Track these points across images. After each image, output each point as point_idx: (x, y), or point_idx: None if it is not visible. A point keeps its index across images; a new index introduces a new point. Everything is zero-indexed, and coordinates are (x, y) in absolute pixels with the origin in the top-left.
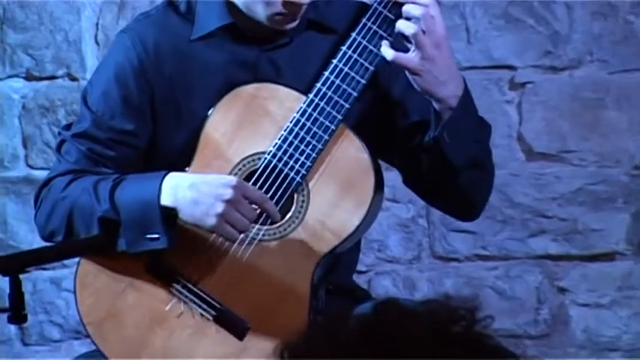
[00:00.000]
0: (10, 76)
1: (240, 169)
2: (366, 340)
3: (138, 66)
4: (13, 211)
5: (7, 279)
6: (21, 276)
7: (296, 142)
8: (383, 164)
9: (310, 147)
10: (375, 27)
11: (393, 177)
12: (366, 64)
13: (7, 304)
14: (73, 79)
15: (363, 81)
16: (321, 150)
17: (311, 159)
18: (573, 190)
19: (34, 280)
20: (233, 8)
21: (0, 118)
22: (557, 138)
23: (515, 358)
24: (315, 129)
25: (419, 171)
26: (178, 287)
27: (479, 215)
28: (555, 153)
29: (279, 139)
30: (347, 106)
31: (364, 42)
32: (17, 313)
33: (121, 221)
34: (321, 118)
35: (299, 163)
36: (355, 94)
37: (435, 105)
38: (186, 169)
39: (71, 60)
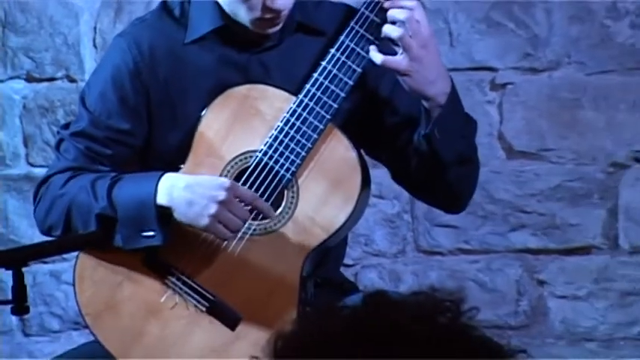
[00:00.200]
0: (11, 78)
1: (232, 167)
2: (356, 330)
3: (134, 68)
4: (14, 207)
5: (9, 272)
6: (23, 269)
7: (286, 140)
8: (370, 161)
9: (300, 145)
10: (362, 30)
11: (379, 174)
12: (354, 66)
13: (8, 296)
14: (72, 80)
15: (351, 82)
16: (310, 148)
17: (300, 157)
18: (552, 186)
19: (34, 273)
20: (224, 12)
21: (2, 118)
22: (537, 137)
23: (499, 348)
24: (304, 128)
25: (407, 168)
26: (173, 280)
27: (465, 208)
28: (535, 151)
29: (270, 138)
30: (335, 106)
31: (352, 45)
32: (20, 304)
33: (118, 218)
34: (311, 118)
35: (289, 160)
36: (343, 94)
37: (425, 103)
38: (181, 166)
39: (70, 62)
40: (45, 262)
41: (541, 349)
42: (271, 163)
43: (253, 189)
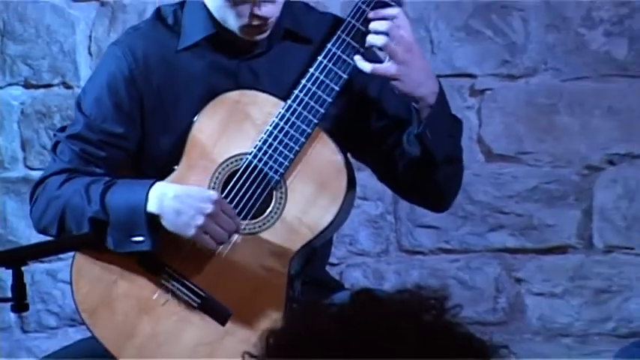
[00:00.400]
0: (9, 84)
1: (224, 169)
2: (345, 327)
3: (128, 75)
4: (13, 209)
5: (8, 271)
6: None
7: (275, 143)
8: (354, 164)
9: (288, 148)
10: (348, 39)
11: (363, 177)
12: (340, 73)
13: (7, 295)
14: (68, 87)
15: (337, 88)
16: (298, 151)
17: (289, 159)
18: (529, 188)
19: (32, 272)
20: (215, 20)
21: (0, 123)
22: (514, 141)
23: (482, 344)
24: (292, 132)
25: (394, 170)
26: (166, 278)
27: (449, 207)
28: (512, 154)
29: (259, 141)
30: (322, 110)
31: (339, 52)
32: (20, 302)
33: (109, 222)
34: (299, 122)
35: (277, 162)
36: (330, 99)
37: (415, 105)
38: (175, 167)
39: (66, 69)
40: (42, 262)
41: (519, 344)
42: (261, 165)
43: (243, 190)
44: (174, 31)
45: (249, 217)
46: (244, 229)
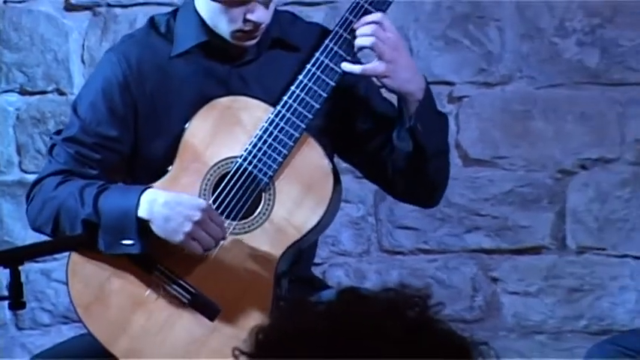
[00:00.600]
0: (5, 91)
1: (215, 171)
2: (331, 324)
3: (123, 81)
4: (9, 211)
5: (5, 271)
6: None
7: (264, 147)
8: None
9: (277, 152)
10: (336, 47)
11: (346, 180)
12: (327, 80)
13: (2, 293)
14: (62, 93)
15: (325, 95)
16: (286, 155)
17: (277, 162)
18: (504, 191)
19: (26, 271)
20: (207, 28)
21: None
22: (490, 146)
23: (463, 340)
24: (281, 136)
25: (384, 170)
26: (158, 275)
27: (439, 202)
28: (488, 159)
29: (249, 145)
30: (310, 116)
31: (326, 61)
32: (17, 300)
33: (101, 225)
34: (287, 127)
35: (267, 165)
36: (317, 105)
37: (404, 101)
38: (168, 168)
39: (60, 77)
40: (37, 262)
41: (494, 341)
42: (250, 167)
43: (234, 191)
44: (167, 39)
45: (238, 218)
46: (234, 229)
